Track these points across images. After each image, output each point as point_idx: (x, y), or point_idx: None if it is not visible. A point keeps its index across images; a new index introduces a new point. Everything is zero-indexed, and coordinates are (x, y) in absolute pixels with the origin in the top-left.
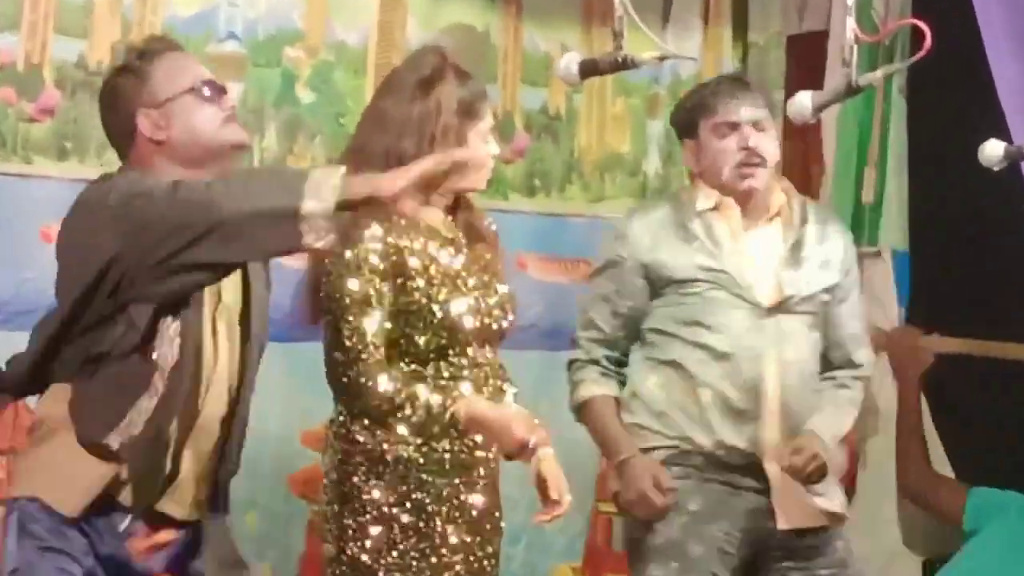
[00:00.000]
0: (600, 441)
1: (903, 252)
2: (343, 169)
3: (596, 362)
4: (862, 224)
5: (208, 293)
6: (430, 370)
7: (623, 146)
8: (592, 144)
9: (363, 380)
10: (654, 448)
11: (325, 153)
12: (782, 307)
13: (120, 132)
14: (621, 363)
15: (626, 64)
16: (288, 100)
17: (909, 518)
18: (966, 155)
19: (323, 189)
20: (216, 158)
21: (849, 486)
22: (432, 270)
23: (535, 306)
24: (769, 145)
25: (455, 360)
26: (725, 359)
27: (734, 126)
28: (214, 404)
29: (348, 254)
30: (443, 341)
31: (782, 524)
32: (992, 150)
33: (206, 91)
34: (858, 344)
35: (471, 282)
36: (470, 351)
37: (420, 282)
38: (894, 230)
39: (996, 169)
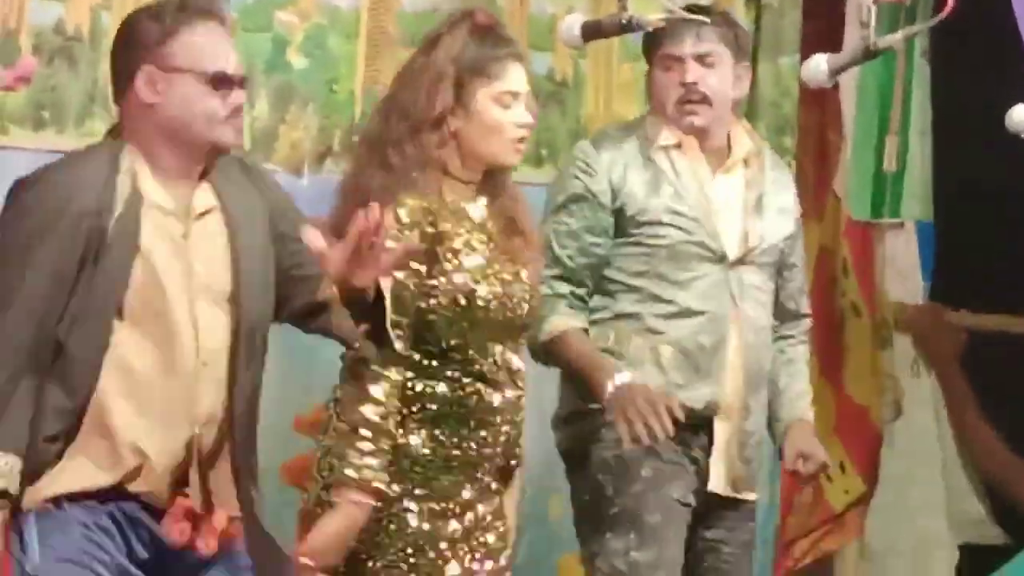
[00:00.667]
0: (583, 370)
1: (927, 224)
2: None
3: (563, 297)
4: (883, 194)
5: (180, 275)
6: (447, 367)
7: (631, 115)
8: (600, 112)
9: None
10: (602, 408)
11: (318, 121)
12: (746, 259)
13: (119, 74)
14: (586, 302)
15: (631, 26)
16: (279, 66)
17: (957, 499)
18: (993, 121)
19: None
20: (199, 151)
21: (870, 472)
22: (460, 257)
23: None
24: (713, 81)
25: (475, 355)
26: (690, 316)
27: (678, 59)
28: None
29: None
30: (465, 327)
31: (714, 486)
32: (1020, 115)
33: (218, 84)
34: (803, 294)
35: (499, 271)
36: (490, 347)
37: (448, 266)
38: (917, 200)
39: None
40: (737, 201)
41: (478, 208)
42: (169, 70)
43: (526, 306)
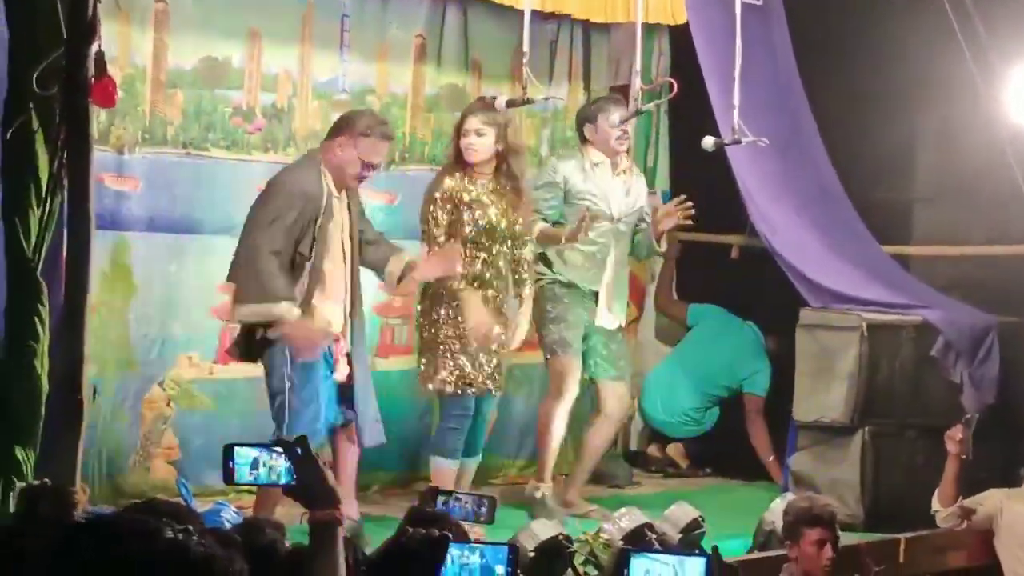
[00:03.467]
0: (546, 233)
1: (667, 192)
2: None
3: (545, 219)
4: (648, 177)
5: (341, 229)
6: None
7: (530, 141)
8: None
9: None
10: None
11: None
12: (621, 219)
13: (332, 131)
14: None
15: (529, 101)
16: None
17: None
18: (695, 144)
19: None
20: (346, 180)
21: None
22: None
23: None
24: (630, 131)
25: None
26: (593, 244)
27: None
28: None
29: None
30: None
31: (598, 321)
32: (707, 141)
33: (365, 167)
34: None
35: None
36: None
37: (466, 216)
38: (662, 179)
39: (711, 150)
40: (620, 189)
41: (485, 183)
42: (355, 145)
43: (517, 227)
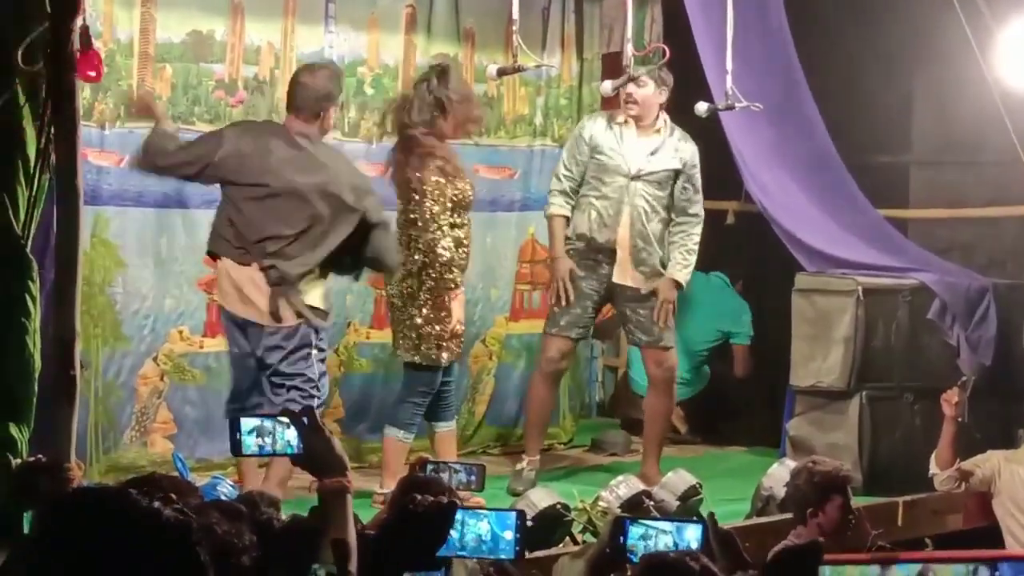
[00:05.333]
0: (550, 240)
1: None
2: None
3: (564, 192)
4: None
5: None
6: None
7: (524, 110)
8: (511, 108)
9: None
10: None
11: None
12: (640, 176)
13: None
14: (576, 191)
15: (520, 69)
16: (360, 93)
17: None
18: (689, 110)
19: None
20: None
21: None
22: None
23: None
24: (639, 94)
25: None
26: (606, 199)
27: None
28: None
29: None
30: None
31: (616, 278)
32: (700, 107)
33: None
34: (693, 203)
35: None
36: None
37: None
38: None
39: (704, 116)
40: (644, 148)
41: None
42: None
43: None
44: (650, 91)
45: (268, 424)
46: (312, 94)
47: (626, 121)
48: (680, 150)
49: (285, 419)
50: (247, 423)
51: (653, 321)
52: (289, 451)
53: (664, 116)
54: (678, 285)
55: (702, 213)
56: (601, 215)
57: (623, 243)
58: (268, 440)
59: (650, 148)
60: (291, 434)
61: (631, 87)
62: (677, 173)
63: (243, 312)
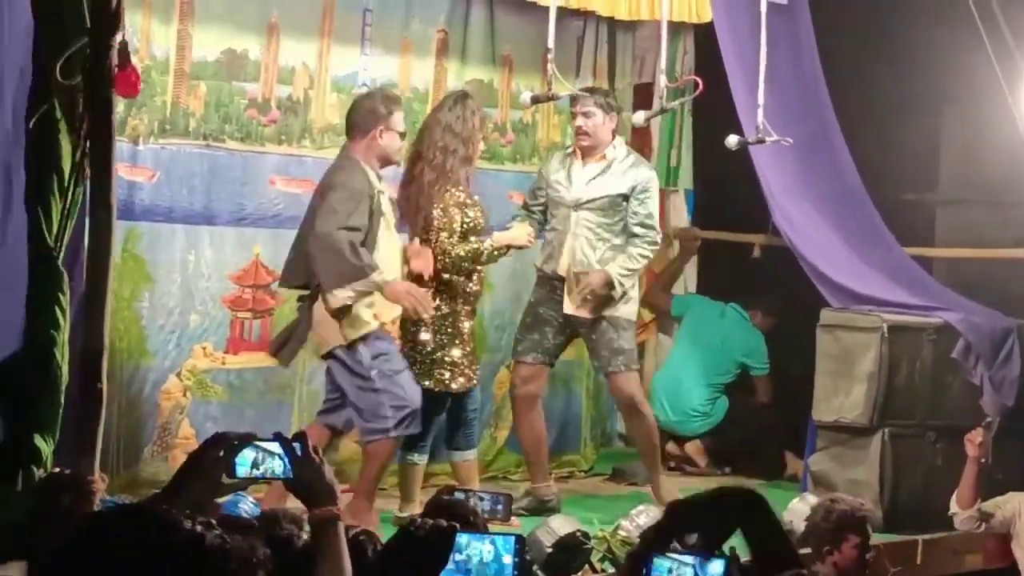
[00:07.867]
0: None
1: (690, 190)
2: None
3: (528, 210)
4: (671, 175)
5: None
6: None
7: (557, 137)
8: (546, 136)
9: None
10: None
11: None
12: (580, 205)
13: (358, 125)
14: (535, 214)
15: (555, 97)
16: None
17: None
18: (719, 143)
19: None
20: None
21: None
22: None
23: None
24: (589, 124)
25: None
26: (555, 231)
27: (574, 115)
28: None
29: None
30: None
31: (566, 308)
32: (730, 140)
33: (403, 136)
34: (639, 226)
35: None
36: None
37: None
38: (686, 178)
39: (734, 149)
40: (585, 176)
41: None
42: (390, 129)
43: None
44: (599, 120)
45: (259, 449)
46: (358, 112)
47: (574, 152)
48: (629, 175)
49: (275, 443)
50: (242, 447)
51: (603, 346)
52: (279, 476)
53: (617, 142)
54: (607, 281)
55: (657, 237)
56: (552, 245)
57: (567, 272)
58: (259, 464)
59: (591, 175)
60: (280, 458)
61: (579, 119)
62: (625, 198)
63: None
